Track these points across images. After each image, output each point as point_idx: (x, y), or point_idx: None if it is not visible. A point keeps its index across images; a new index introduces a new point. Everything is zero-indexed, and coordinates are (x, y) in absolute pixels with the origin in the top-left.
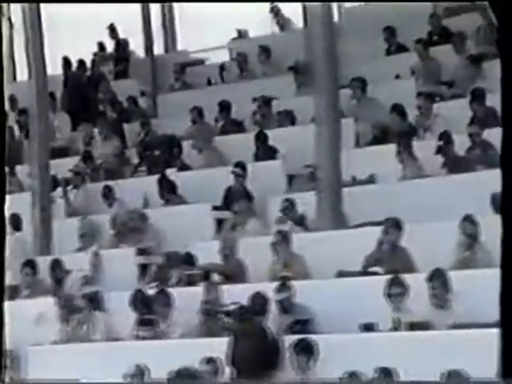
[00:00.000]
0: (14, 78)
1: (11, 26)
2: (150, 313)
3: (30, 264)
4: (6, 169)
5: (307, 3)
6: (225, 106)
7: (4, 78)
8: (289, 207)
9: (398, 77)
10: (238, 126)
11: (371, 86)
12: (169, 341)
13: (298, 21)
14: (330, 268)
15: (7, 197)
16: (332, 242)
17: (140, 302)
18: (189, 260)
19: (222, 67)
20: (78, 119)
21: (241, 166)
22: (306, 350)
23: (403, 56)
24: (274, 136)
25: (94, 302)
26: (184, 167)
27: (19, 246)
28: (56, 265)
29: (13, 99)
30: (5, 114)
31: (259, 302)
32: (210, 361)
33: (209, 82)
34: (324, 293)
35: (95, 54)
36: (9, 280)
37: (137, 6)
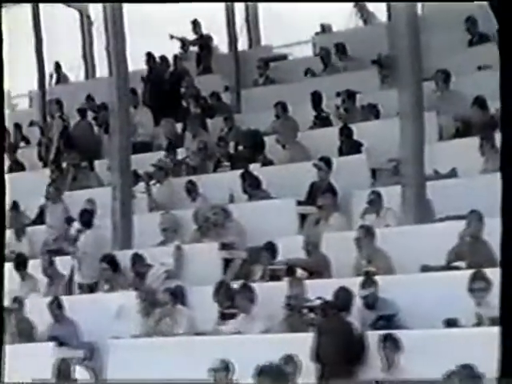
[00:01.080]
0: (94, 74)
1: (90, 22)
2: (232, 307)
3: (109, 258)
4: (85, 163)
5: None
6: (315, 99)
7: (4, 78)
8: (376, 200)
9: (480, 68)
10: (322, 121)
11: (454, 78)
12: (252, 335)
13: (381, 14)
14: (413, 263)
15: (85, 191)
16: (415, 237)
17: (223, 295)
18: (272, 255)
19: (306, 61)
20: (160, 115)
21: (325, 160)
22: (393, 345)
23: (485, 47)
24: (358, 130)
25: (177, 296)
26: (267, 162)
27: (97, 240)
28: (137, 259)
29: (90, 98)
30: (4, 114)
31: (343, 297)
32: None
33: (306, 73)
34: (407, 288)
35: (183, 47)
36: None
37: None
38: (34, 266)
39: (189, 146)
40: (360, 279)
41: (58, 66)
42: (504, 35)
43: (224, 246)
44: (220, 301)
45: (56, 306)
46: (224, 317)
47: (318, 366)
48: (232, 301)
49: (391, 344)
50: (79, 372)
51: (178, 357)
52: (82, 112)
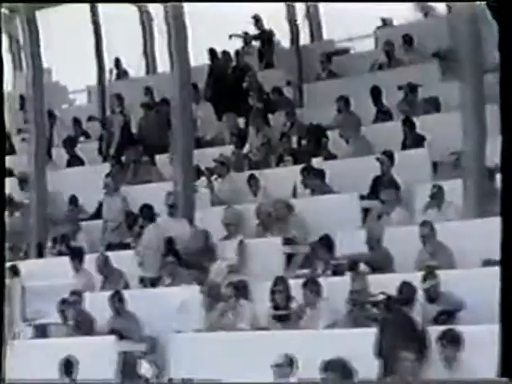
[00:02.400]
0: (154, 69)
1: (150, 18)
2: (288, 303)
3: (173, 252)
4: (146, 158)
5: None
6: (375, 94)
7: (4, 78)
8: (438, 194)
9: None
10: (385, 115)
11: None
12: (315, 330)
13: (441, 7)
14: (475, 257)
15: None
16: (477, 230)
17: (282, 290)
18: (329, 249)
19: (368, 55)
20: (222, 110)
21: (387, 154)
22: (453, 341)
23: None
24: (420, 123)
25: (240, 290)
26: (330, 156)
27: (158, 235)
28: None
29: (150, 91)
30: (3, 114)
31: (407, 292)
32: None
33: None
34: (470, 282)
35: (245, 42)
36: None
37: None
38: (91, 261)
39: (252, 141)
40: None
41: (117, 62)
42: (504, 35)
43: (287, 241)
44: (276, 297)
45: (117, 300)
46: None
47: (380, 361)
48: (289, 297)
49: (451, 340)
50: (144, 366)
51: (241, 352)
52: (146, 107)
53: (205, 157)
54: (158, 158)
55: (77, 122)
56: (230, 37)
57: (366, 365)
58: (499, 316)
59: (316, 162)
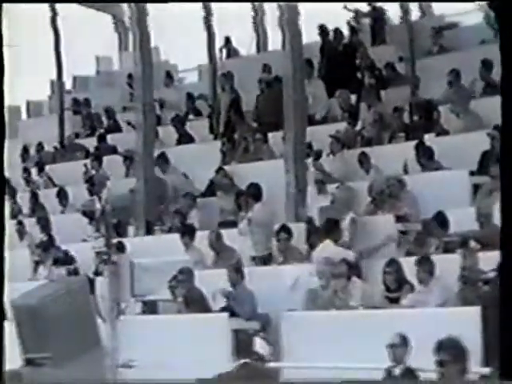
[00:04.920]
0: (266, 47)
1: None
2: (405, 281)
3: (285, 229)
4: (259, 135)
5: None
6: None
7: (4, 78)
8: None
9: None
10: (494, 88)
11: None
12: (427, 309)
13: None
14: None
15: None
16: None
17: (393, 271)
18: (442, 226)
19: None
20: (334, 86)
21: (498, 129)
22: None
23: None
24: None
25: (353, 268)
26: (442, 132)
27: (267, 213)
28: (313, 231)
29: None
30: (3, 114)
31: None
32: None
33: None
34: None
35: (355, 19)
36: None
37: None
38: (202, 238)
39: (364, 118)
40: None
41: (227, 40)
42: (504, 35)
43: (399, 218)
44: (388, 279)
45: (238, 275)
46: (397, 290)
47: (490, 340)
48: (400, 279)
49: None
50: (259, 344)
51: (353, 331)
52: (263, 83)
53: (317, 134)
54: (270, 135)
55: (187, 100)
56: (345, 7)
57: (477, 344)
58: (499, 317)
59: (428, 138)
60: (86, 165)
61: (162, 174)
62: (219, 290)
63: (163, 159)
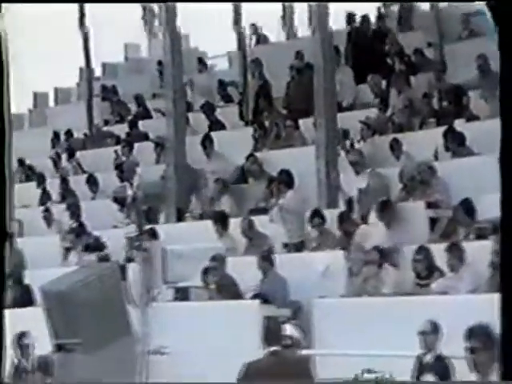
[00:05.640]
0: (295, 34)
1: None
2: (435, 268)
3: (319, 215)
4: (290, 122)
5: None
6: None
7: (4, 78)
8: None
9: None
10: None
11: None
12: (458, 296)
13: None
14: None
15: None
16: None
17: (423, 259)
18: (469, 212)
19: None
20: (362, 73)
21: None
22: None
23: None
24: None
25: (386, 255)
26: (472, 117)
27: (299, 200)
28: (345, 217)
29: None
30: (3, 113)
31: None
32: None
33: None
34: None
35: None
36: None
37: None
38: (235, 225)
39: (394, 104)
40: None
41: (255, 28)
42: (503, 35)
43: (430, 205)
44: (418, 266)
45: (267, 263)
46: (426, 277)
47: None
48: (431, 266)
49: None
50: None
51: (384, 318)
52: (295, 70)
53: (347, 120)
54: (301, 122)
55: (218, 86)
56: None
57: None
58: (500, 317)
59: (458, 124)
60: (116, 151)
61: (207, 158)
62: (251, 287)
63: (208, 142)
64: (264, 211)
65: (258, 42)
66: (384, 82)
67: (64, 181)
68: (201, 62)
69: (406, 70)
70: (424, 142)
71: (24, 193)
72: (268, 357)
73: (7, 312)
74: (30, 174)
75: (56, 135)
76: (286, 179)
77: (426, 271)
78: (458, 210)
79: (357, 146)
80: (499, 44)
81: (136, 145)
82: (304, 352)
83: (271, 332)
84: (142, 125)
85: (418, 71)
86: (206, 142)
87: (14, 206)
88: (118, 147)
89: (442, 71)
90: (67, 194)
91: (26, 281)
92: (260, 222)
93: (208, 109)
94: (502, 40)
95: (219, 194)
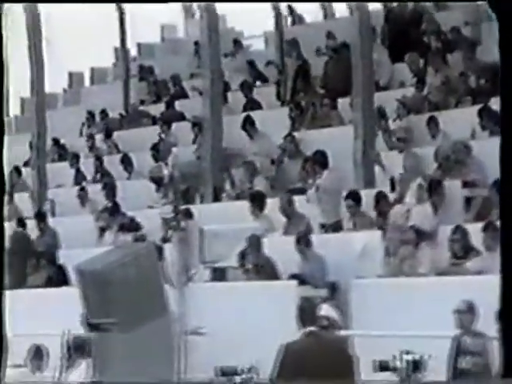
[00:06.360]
0: (333, 14)
1: None
2: (471, 248)
3: (353, 195)
4: (327, 101)
5: None
6: None
7: (4, 78)
8: None
9: None
10: None
11: None
12: (494, 276)
13: None
14: None
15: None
16: None
17: (460, 239)
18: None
19: None
20: (399, 52)
21: None
22: None
23: None
24: None
25: (423, 235)
26: None
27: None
28: (381, 198)
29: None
30: (3, 113)
31: None
32: None
33: None
34: None
35: None
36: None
37: None
38: (272, 205)
39: (431, 82)
40: None
41: (290, 8)
42: (504, 34)
43: (466, 184)
44: (455, 246)
45: (304, 243)
46: (462, 257)
47: None
48: (467, 246)
49: None
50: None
51: (422, 297)
52: (330, 50)
53: (383, 99)
54: (339, 102)
55: (254, 66)
56: None
57: None
58: (500, 316)
59: (494, 102)
60: (155, 131)
61: (250, 139)
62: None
63: (250, 123)
64: (300, 191)
65: (293, 22)
66: (421, 61)
67: (98, 160)
68: (236, 42)
69: (443, 48)
70: (460, 120)
71: (57, 172)
72: (306, 338)
73: (41, 291)
74: (63, 153)
75: (91, 114)
76: (320, 159)
77: (463, 251)
78: (494, 189)
79: (392, 125)
80: (499, 43)
81: (174, 125)
82: (341, 333)
83: (306, 312)
84: (180, 105)
85: (454, 49)
86: (247, 122)
87: (46, 185)
88: (155, 127)
89: (479, 49)
90: (102, 173)
91: (61, 261)
92: (297, 202)
93: (246, 88)
94: (502, 39)
95: (251, 175)
